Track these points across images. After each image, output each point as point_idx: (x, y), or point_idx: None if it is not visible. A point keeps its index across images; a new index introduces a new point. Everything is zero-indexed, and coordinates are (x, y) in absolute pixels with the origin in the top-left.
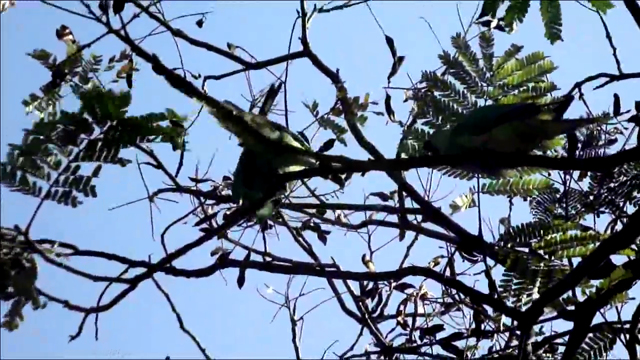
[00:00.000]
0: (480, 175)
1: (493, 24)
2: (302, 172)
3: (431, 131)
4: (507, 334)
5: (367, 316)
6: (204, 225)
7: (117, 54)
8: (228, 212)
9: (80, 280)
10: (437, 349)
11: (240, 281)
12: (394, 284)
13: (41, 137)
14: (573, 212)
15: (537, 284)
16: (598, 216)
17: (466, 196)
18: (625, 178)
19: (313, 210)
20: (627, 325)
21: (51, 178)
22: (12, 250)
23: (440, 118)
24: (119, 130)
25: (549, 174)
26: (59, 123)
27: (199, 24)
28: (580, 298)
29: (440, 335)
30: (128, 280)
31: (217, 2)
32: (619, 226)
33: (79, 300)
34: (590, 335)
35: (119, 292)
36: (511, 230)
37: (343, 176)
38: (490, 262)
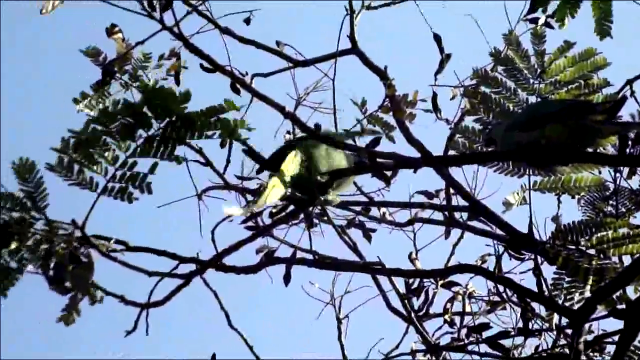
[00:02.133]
0: (530, 172)
1: (541, 21)
2: (354, 168)
3: (480, 128)
4: (554, 332)
5: (413, 314)
6: (250, 224)
7: (166, 51)
8: (274, 210)
9: (128, 277)
10: (484, 348)
11: (287, 279)
12: (440, 282)
13: (101, 128)
14: (623, 210)
15: (590, 282)
16: None
17: (517, 193)
18: None
19: (358, 208)
20: None
21: (108, 173)
22: (68, 244)
23: (490, 115)
24: (178, 127)
25: (600, 172)
26: (120, 113)
27: (247, 21)
28: (632, 297)
29: (487, 334)
30: (182, 275)
31: (265, 1)
32: None
33: (129, 297)
34: None
35: (173, 288)
36: (561, 229)
37: (389, 174)
38: (539, 260)
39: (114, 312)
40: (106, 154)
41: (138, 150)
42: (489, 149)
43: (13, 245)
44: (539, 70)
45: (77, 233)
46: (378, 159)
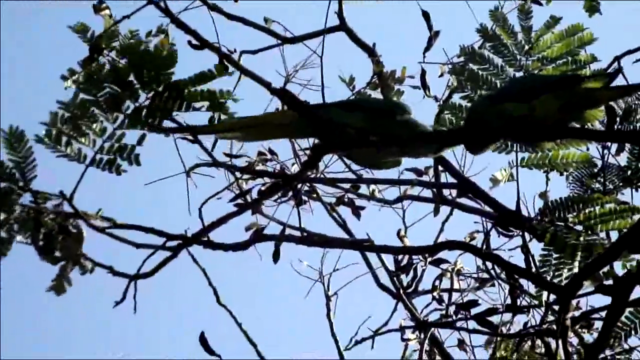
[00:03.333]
0: (518, 148)
1: None
2: (341, 143)
3: (468, 105)
4: (542, 309)
5: (401, 291)
6: (239, 201)
7: (153, 29)
8: (263, 188)
9: (118, 252)
10: (473, 324)
11: (276, 256)
12: (429, 259)
13: (89, 97)
14: (611, 186)
15: (578, 258)
16: (636, 190)
17: (505, 170)
18: None
19: (347, 186)
20: None
21: (96, 145)
22: (57, 215)
23: (477, 92)
24: (166, 97)
25: (588, 148)
26: (106, 79)
27: None
28: (620, 273)
29: (475, 311)
30: (170, 248)
31: None
32: None
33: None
34: (630, 310)
35: (161, 260)
36: (549, 205)
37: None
38: (527, 237)
39: (103, 286)
40: (94, 125)
41: (126, 122)
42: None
43: (1, 216)
44: (526, 47)
45: (66, 205)
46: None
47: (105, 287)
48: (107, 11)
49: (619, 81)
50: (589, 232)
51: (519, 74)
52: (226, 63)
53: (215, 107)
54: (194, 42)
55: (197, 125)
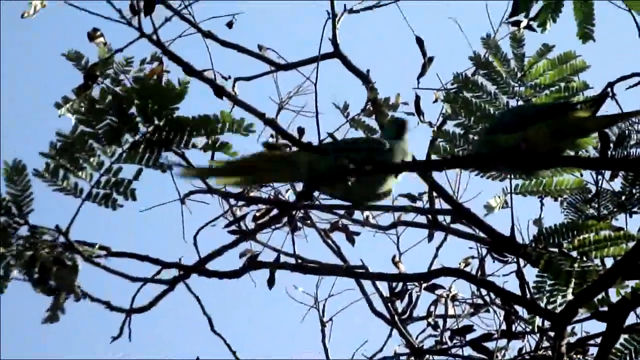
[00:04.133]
0: (512, 176)
1: (523, 24)
2: (336, 173)
3: (461, 132)
4: (538, 335)
5: (396, 317)
6: (233, 228)
7: (147, 55)
8: (258, 214)
9: (111, 283)
10: (468, 350)
11: (270, 282)
12: (423, 285)
13: (88, 129)
14: (605, 212)
15: (572, 285)
16: (631, 216)
17: (499, 197)
18: None
19: (342, 212)
20: None
21: (93, 179)
22: (53, 250)
23: (471, 119)
24: (166, 131)
25: (582, 174)
26: (108, 109)
27: (229, 25)
28: (615, 299)
29: (470, 337)
30: (166, 281)
31: (248, 4)
32: None
33: (114, 303)
34: (625, 336)
35: (158, 293)
36: (544, 231)
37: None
38: (521, 263)
39: (98, 319)
40: (91, 159)
41: (123, 156)
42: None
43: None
44: (519, 74)
45: (61, 239)
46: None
47: (99, 317)
48: (101, 39)
49: (612, 108)
50: (584, 258)
51: (512, 102)
52: (219, 92)
53: (212, 146)
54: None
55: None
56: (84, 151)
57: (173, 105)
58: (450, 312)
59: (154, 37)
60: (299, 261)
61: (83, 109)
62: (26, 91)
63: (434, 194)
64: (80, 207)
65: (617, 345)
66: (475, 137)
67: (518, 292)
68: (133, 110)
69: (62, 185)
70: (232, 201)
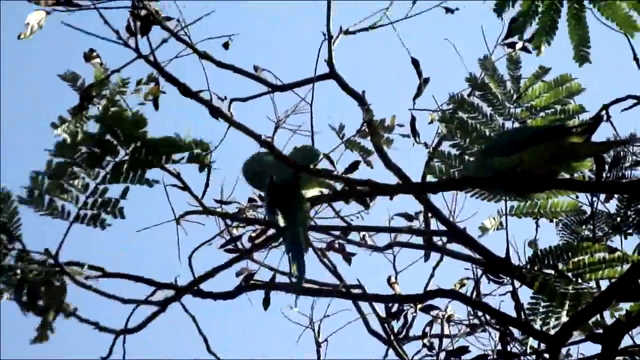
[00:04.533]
0: (507, 198)
1: (518, 46)
2: (329, 195)
3: (457, 153)
4: (533, 356)
5: (392, 337)
6: (230, 247)
7: (144, 76)
8: (254, 234)
9: (108, 303)
10: None
11: (266, 303)
12: (419, 306)
13: (66, 160)
14: (600, 234)
15: (566, 307)
16: (626, 238)
17: (494, 218)
18: None
19: (338, 232)
20: None
21: (79, 201)
22: (42, 273)
23: (467, 140)
24: (144, 152)
25: (577, 196)
26: (83, 144)
27: (225, 46)
28: (609, 321)
29: (466, 357)
30: (158, 302)
31: (244, 24)
32: None
33: (107, 323)
34: (620, 359)
35: (149, 315)
36: (539, 253)
37: (368, 198)
38: (516, 284)
39: (90, 340)
40: (76, 182)
41: (108, 177)
42: (464, 176)
43: None
44: (514, 96)
45: (51, 261)
46: (355, 186)
47: (91, 339)
48: (97, 59)
49: (607, 130)
50: (579, 280)
51: (508, 123)
52: (215, 113)
53: (194, 159)
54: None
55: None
56: (67, 175)
57: (140, 129)
58: (446, 332)
59: (151, 57)
60: (294, 283)
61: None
62: (21, 110)
63: (430, 214)
64: (68, 229)
65: None
66: (471, 159)
67: (513, 313)
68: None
69: (49, 210)
70: (228, 221)
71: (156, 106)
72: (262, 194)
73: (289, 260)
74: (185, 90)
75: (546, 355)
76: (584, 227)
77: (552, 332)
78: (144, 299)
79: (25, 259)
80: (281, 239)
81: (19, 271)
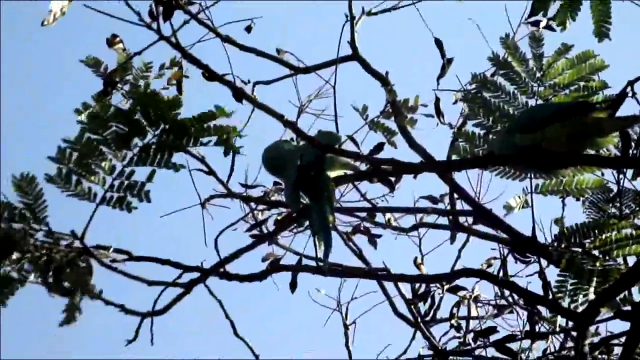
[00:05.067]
0: (533, 176)
1: (542, 24)
2: (354, 175)
3: (482, 133)
4: (562, 335)
5: (419, 319)
6: (255, 232)
7: (167, 61)
8: (279, 218)
9: (135, 286)
10: (491, 352)
11: (293, 286)
12: (446, 287)
13: (95, 136)
14: (627, 211)
15: (593, 284)
16: None
17: (519, 197)
18: None
19: (363, 214)
20: None
21: (106, 183)
22: (68, 254)
23: (490, 119)
24: (172, 134)
25: (602, 174)
26: (112, 120)
27: (248, 29)
28: (637, 298)
29: (494, 338)
30: (183, 284)
31: (266, 7)
32: None
33: (134, 306)
34: None
35: (175, 297)
36: (565, 231)
37: (393, 179)
38: (543, 263)
39: (116, 323)
40: (103, 163)
41: (135, 159)
42: (488, 153)
43: (15, 256)
44: (537, 74)
45: (77, 243)
46: (379, 166)
47: (117, 322)
48: (120, 45)
49: (633, 106)
50: (606, 257)
51: (531, 101)
52: (239, 96)
53: (222, 142)
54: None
55: None
56: (94, 156)
57: (173, 111)
58: (473, 313)
59: (173, 39)
60: (321, 264)
61: (87, 120)
62: (41, 97)
63: (455, 195)
64: (94, 211)
65: None
66: (494, 137)
67: (541, 292)
68: (138, 116)
69: (76, 191)
70: (253, 205)
71: (180, 90)
72: (282, 180)
73: (315, 240)
74: (208, 73)
75: (574, 333)
76: (610, 204)
77: (580, 309)
78: (171, 281)
79: (52, 240)
80: (307, 221)
81: (44, 251)
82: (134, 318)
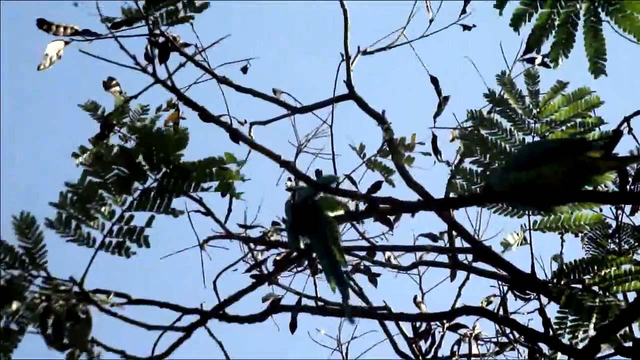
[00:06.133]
0: (530, 213)
1: (538, 61)
2: (352, 213)
3: (479, 170)
4: None
5: (420, 358)
6: (254, 272)
7: (163, 103)
8: (278, 258)
9: (134, 329)
10: None
11: (293, 326)
12: (447, 325)
13: (97, 179)
14: (626, 247)
15: (593, 320)
16: None
17: (517, 234)
18: None
19: (363, 253)
20: None
21: (105, 228)
22: (67, 301)
23: (487, 156)
24: (174, 177)
25: (601, 210)
26: (115, 161)
27: (244, 70)
28: (638, 334)
29: None
30: (182, 328)
31: (261, 48)
32: None
33: (133, 350)
34: None
35: (175, 341)
36: (564, 267)
37: (392, 218)
38: (544, 300)
39: None
40: (103, 208)
41: (134, 204)
42: (485, 191)
43: (14, 306)
44: (534, 110)
45: (76, 289)
46: (376, 204)
47: None
48: (117, 87)
49: (630, 142)
50: (606, 293)
51: (528, 138)
52: (235, 137)
53: (223, 187)
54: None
55: None
56: (95, 200)
57: (178, 151)
58: (475, 351)
59: (169, 82)
60: (321, 304)
61: (90, 161)
62: (39, 141)
63: (454, 233)
64: (94, 257)
65: None
66: (492, 174)
67: (541, 329)
68: (140, 159)
69: (75, 236)
70: (252, 245)
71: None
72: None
73: (330, 283)
74: (204, 114)
75: None
76: (609, 240)
77: (580, 346)
78: (170, 325)
79: (50, 286)
80: (307, 260)
81: (43, 298)
82: None
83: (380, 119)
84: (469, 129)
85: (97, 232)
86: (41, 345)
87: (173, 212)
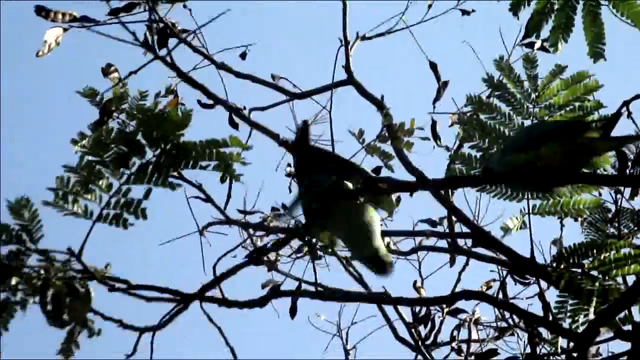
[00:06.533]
0: (530, 196)
1: (537, 45)
2: (351, 192)
3: (478, 155)
4: (563, 356)
5: (420, 343)
6: (254, 257)
7: (162, 89)
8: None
9: (133, 306)
10: None
11: (293, 311)
12: (446, 310)
13: (95, 158)
14: (626, 231)
15: (593, 304)
16: None
17: (517, 218)
18: None
19: None
20: None
21: (102, 201)
22: (65, 274)
23: (486, 141)
24: (173, 154)
25: (600, 194)
26: (114, 142)
27: (243, 56)
28: (637, 317)
29: None
30: (180, 299)
31: (260, 35)
32: None
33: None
34: None
35: (172, 311)
36: (564, 251)
37: (393, 201)
38: (543, 284)
39: (115, 338)
40: (100, 182)
41: (132, 178)
42: (485, 173)
43: (13, 281)
44: (532, 95)
45: (74, 261)
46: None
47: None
48: (115, 74)
49: (629, 126)
50: (605, 277)
51: (527, 122)
52: (236, 120)
53: (223, 168)
54: (204, 101)
55: None
56: (92, 175)
57: (179, 131)
58: (474, 336)
59: (168, 59)
60: (321, 289)
61: (90, 145)
62: (39, 141)
63: (453, 217)
64: (92, 227)
65: None
66: (491, 156)
67: (541, 314)
68: (139, 137)
69: (73, 209)
70: (251, 231)
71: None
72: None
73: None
74: (205, 94)
75: (575, 354)
76: (608, 224)
77: (580, 330)
78: (169, 298)
79: (47, 259)
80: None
81: (42, 272)
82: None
83: (379, 104)
84: (468, 114)
85: (95, 205)
86: (41, 346)
87: (170, 185)
